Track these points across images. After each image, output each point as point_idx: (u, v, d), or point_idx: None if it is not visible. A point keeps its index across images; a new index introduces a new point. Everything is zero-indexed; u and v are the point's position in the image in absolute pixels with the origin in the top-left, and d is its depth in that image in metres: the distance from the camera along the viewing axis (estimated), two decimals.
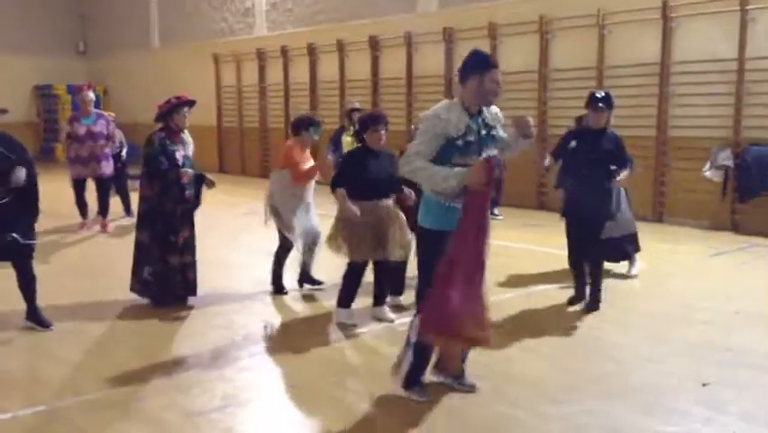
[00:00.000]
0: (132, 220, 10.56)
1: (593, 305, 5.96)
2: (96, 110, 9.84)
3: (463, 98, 4.03)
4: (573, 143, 5.95)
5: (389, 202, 5.56)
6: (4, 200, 4.99)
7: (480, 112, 4.06)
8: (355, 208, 5.37)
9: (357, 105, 10.67)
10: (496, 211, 10.52)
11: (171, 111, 5.97)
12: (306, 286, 6.64)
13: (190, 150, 6.17)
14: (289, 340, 5.40)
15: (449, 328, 3.79)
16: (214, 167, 17.67)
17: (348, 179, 5.47)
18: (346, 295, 5.64)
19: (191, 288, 6.14)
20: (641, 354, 4.99)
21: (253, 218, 9.98)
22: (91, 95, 9.71)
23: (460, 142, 3.93)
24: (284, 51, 15.91)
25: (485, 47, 12.06)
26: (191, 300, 6.14)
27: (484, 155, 3.93)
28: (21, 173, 5.03)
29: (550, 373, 4.64)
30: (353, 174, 5.47)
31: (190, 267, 6.12)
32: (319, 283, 6.63)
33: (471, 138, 3.97)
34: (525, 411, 4.05)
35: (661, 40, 10.09)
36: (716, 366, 4.71)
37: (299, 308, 6.25)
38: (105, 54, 21.88)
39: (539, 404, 4.14)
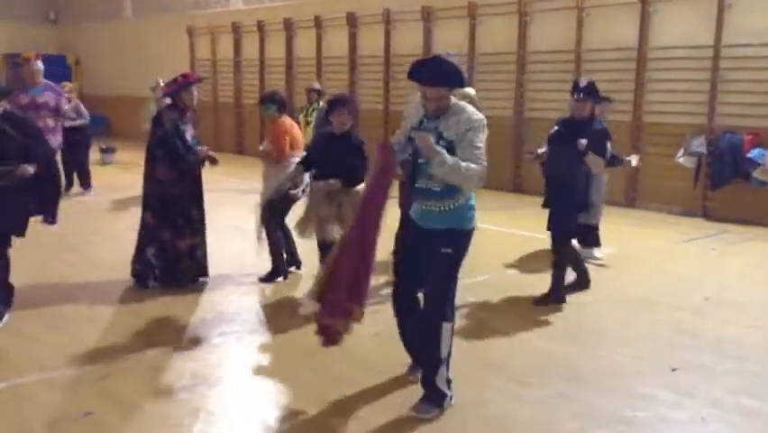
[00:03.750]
0: (90, 195, 10.45)
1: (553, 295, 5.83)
2: (47, 81, 9.45)
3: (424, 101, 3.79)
4: (555, 128, 5.86)
5: (333, 182, 5.40)
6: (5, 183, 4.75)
7: (438, 117, 3.67)
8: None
9: (317, 86, 10.60)
10: None
11: (179, 90, 5.82)
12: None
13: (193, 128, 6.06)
14: (263, 320, 5.36)
15: (335, 311, 3.78)
16: None
17: (313, 161, 5.59)
18: None
19: (202, 268, 6.04)
20: (610, 338, 5.03)
21: (225, 195, 9.90)
22: (40, 64, 9.40)
23: (413, 134, 3.69)
24: (260, 26, 15.66)
25: (463, 27, 12.01)
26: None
27: (420, 161, 3.68)
28: (28, 169, 4.83)
29: (520, 356, 4.65)
30: (318, 156, 5.55)
31: (199, 247, 6.00)
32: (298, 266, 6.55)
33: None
34: (495, 394, 4.06)
35: (639, 25, 10.09)
36: (684, 351, 4.76)
37: (272, 288, 6.19)
38: (77, 23, 21.37)
39: (509, 387, 4.16)
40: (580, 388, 4.16)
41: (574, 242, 6.16)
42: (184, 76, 5.93)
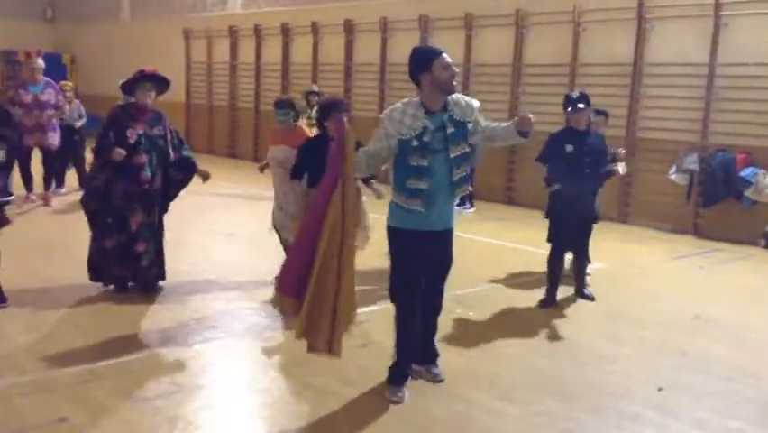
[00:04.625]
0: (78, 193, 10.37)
1: (583, 295, 6.24)
2: (47, 78, 9.43)
3: (422, 99, 3.93)
4: (570, 147, 5.83)
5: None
6: None
7: (445, 108, 3.92)
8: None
9: (315, 89, 10.62)
10: (467, 204, 10.53)
11: (133, 85, 5.60)
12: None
13: (162, 129, 5.76)
14: (247, 326, 5.27)
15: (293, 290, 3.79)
16: None
17: (306, 168, 5.39)
18: None
19: (143, 278, 5.77)
20: (598, 354, 4.97)
21: (217, 199, 9.83)
22: (40, 61, 9.36)
23: (415, 143, 3.85)
24: (257, 30, 15.63)
25: (460, 38, 12.00)
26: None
27: (452, 155, 3.92)
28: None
29: (506, 372, 4.59)
30: (311, 163, 5.35)
31: (144, 255, 5.71)
32: None
33: (427, 138, 3.85)
34: (480, 409, 3.99)
35: (635, 40, 10.10)
36: (672, 370, 4.71)
37: (258, 294, 6.11)
38: (74, 22, 21.30)
39: (495, 402, 4.09)
40: (565, 405, 4.11)
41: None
42: (140, 71, 5.66)
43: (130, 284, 5.81)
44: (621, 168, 6.75)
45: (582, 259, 6.27)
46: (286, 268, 3.90)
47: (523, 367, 4.69)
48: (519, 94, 11.43)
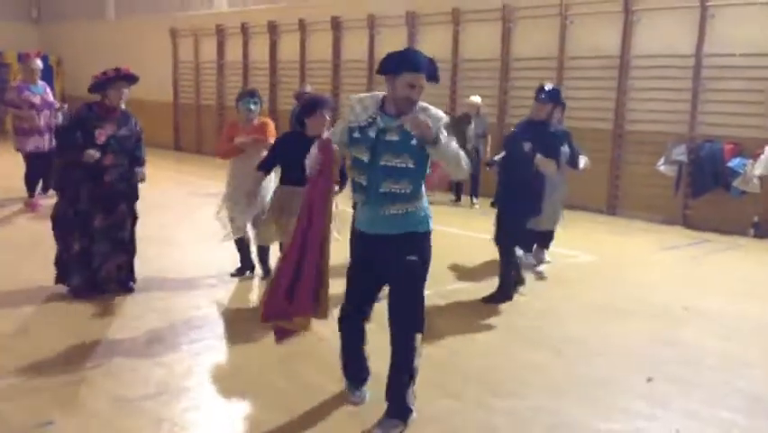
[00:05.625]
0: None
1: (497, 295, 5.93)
2: (41, 81, 9.43)
3: (385, 96, 3.59)
4: (527, 145, 5.78)
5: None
6: None
7: (400, 115, 3.48)
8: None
9: (308, 89, 10.56)
10: (474, 200, 10.55)
11: (106, 84, 5.39)
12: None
13: (129, 129, 5.58)
14: (233, 327, 5.24)
15: (280, 311, 3.72)
16: (169, 144, 17.27)
17: (276, 162, 5.39)
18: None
19: (101, 280, 5.61)
20: (587, 346, 4.96)
21: (204, 198, 9.76)
22: (39, 62, 9.31)
23: (356, 134, 3.54)
24: (244, 28, 15.55)
25: (447, 33, 11.97)
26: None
27: (383, 163, 3.51)
28: None
29: (495, 366, 4.57)
30: (283, 158, 5.35)
31: (108, 258, 5.59)
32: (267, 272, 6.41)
33: (372, 134, 3.51)
34: (470, 405, 3.98)
35: (622, 33, 10.09)
36: (661, 362, 4.70)
37: (245, 294, 6.08)
38: (59, 22, 21.15)
39: (484, 397, 4.07)
40: (555, 398, 4.09)
41: (518, 251, 6.13)
42: (115, 69, 5.42)
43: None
44: (582, 162, 6.81)
45: (502, 255, 6.01)
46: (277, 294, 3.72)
47: (512, 361, 4.67)
48: (507, 88, 11.41)
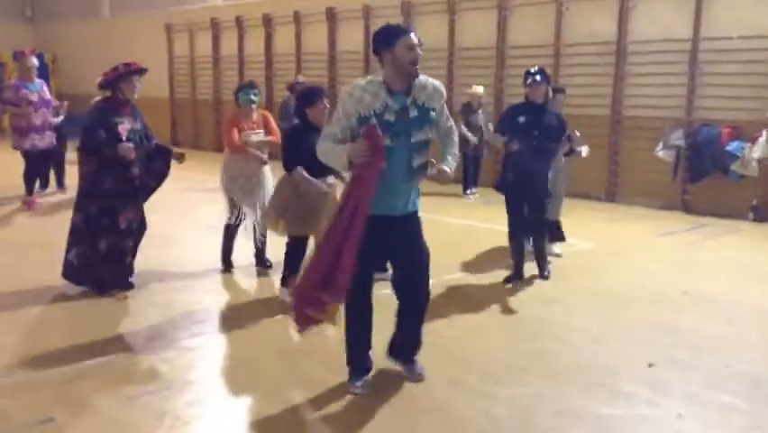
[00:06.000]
0: (65, 194, 10.30)
1: (544, 275, 6.22)
2: (38, 79, 9.39)
3: (385, 77, 3.73)
4: (522, 119, 5.92)
5: (331, 179, 5.38)
6: None
7: (408, 91, 3.71)
8: (318, 182, 5.25)
9: (301, 80, 10.59)
10: (473, 189, 10.50)
11: (118, 80, 5.43)
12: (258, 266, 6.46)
13: (140, 122, 5.63)
14: (234, 321, 5.23)
15: (314, 300, 3.74)
16: (165, 139, 17.21)
17: (300, 156, 5.29)
18: (289, 273, 5.46)
19: (125, 275, 5.68)
20: (587, 333, 4.96)
21: (203, 194, 9.76)
22: (35, 60, 9.27)
23: (374, 121, 3.63)
24: (239, 22, 15.50)
25: (443, 22, 11.93)
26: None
27: (413, 140, 3.73)
28: None
29: (496, 354, 4.57)
30: (301, 150, 5.29)
31: (125, 251, 5.62)
32: (268, 266, 6.43)
33: (390, 118, 3.66)
34: (471, 393, 3.98)
35: (618, 18, 10.06)
36: (662, 347, 4.70)
37: (246, 288, 6.08)
38: (54, 21, 21.08)
39: (485, 385, 4.07)
40: (557, 386, 4.09)
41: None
42: (126, 64, 5.49)
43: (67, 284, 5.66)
44: (584, 150, 6.82)
45: (539, 240, 6.24)
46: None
47: (512, 349, 4.67)
48: (504, 76, 11.38)
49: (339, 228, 3.66)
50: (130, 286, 5.72)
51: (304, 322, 3.89)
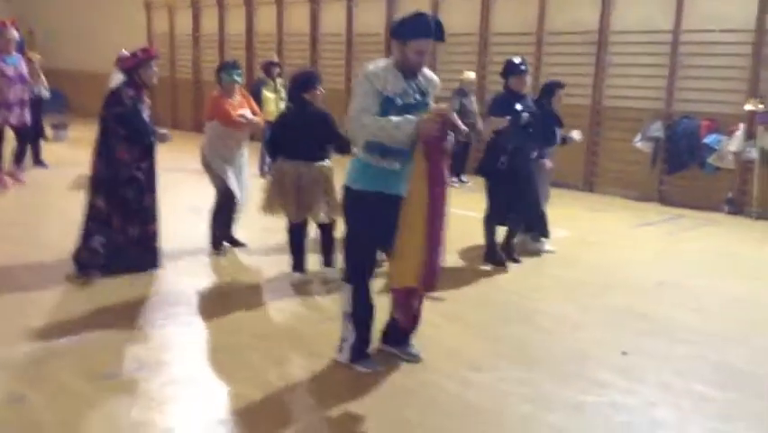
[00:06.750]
0: (41, 169, 10.15)
1: (514, 256, 6.33)
2: (16, 52, 9.16)
3: (395, 62, 3.80)
4: (519, 106, 5.92)
5: (322, 163, 5.41)
6: None
7: (413, 75, 3.85)
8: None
9: (275, 60, 10.53)
10: (464, 178, 10.48)
11: (137, 66, 5.40)
12: (226, 245, 6.42)
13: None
14: (211, 302, 5.20)
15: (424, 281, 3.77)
16: None
17: (282, 144, 5.42)
18: (293, 257, 5.58)
19: (154, 257, 5.70)
20: (563, 321, 5.00)
21: (181, 175, 9.65)
22: (14, 32, 9.00)
23: (399, 102, 3.73)
24: (220, 1, 15.29)
25: (427, 7, 11.83)
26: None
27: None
28: None
29: (473, 340, 4.59)
30: (284, 137, 5.39)
31: (152, 235, 5.65)
32: (242, 245, 6.42)
33: (411, 101, 3.78)
34: (444, 378, 3.98)
35: (600, 8, 10.07)
36: (637, 336, 4.75)
37: (224, 270, 6.03)
38: None
39: (460, 371, 4.09)
40: (531, 372, 4.12)
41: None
42: (144, 50, 5.52)
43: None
44: (576, 134, 6.87)
45: (516, 226, 6.34)
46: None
47: (489, 336, 4.69)
48: (486, 63, 11.36)
49: (434, 209, 3.66)
50: (157, 266, 5.75)
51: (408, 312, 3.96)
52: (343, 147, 5.33)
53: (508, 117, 5.87)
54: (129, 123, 5.37)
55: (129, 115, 5.36)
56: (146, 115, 5.51)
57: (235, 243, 6.44)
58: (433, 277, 3.76)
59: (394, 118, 3.65)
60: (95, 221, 5.47)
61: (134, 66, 5.43)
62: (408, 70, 3.78)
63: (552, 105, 6.55)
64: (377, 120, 3.65)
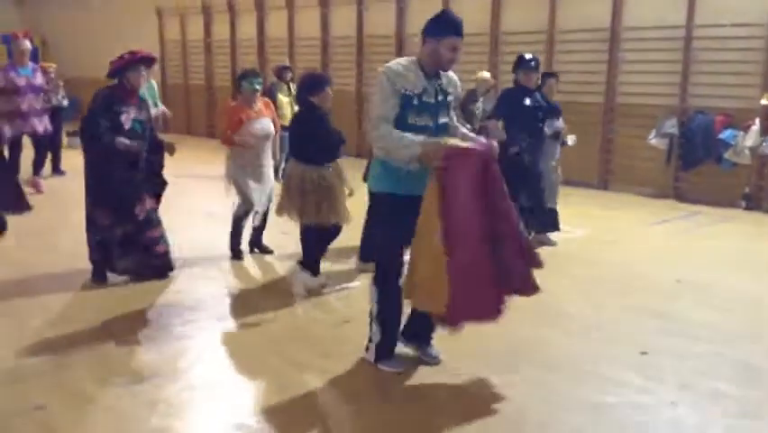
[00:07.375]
0: (59, 177, 10.25)
1: None
2: (31, 62, 9.26)
3: (420, 57, 3.84)
4: (528, 100, 5.98)
5: (329, 167, 5.42)
6: None
7: (436, 75, 3.88)
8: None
9: (288, 64, 10.63)
10: None
11: (125, 68, 5.30)
12: (256, 251, 6.47)
13: (146, 113, 5.54)
14: (228, 308, 5.22)
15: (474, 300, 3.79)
16: (157, 125, 17.09)
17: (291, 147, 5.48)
18: (304, 260, 5.51)
19: (166, 263, 5.68)
20: (580, 321, 4.97)
21: (196, 181, 9.72)
22: (27, 43, 9.09)
23: (416, 102, 3.76)
24: (231, 6, 15.36)
25: (437, 7, 11.74)
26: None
27: (440, 122, 3.87)
28: None
29: (490, 342, 4.56)
30: (291, 141, 5.45)
31: (159, 241, 5.58)
32: (270, 252, 6.44)
33: (430, 100, 3.81)
34: (465, 379, 3.97)
35: (612, 5, 10.01)
36: (655, 335, 4.71)
37: (240, 275, 6.05)
38: (44, 4, 20.82)
39: (478, 372, 4.07)
40: (550, 373, 4.10)
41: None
42: (131, 53, 5.39)
43: (109, 274, 5.63)
44: (570, 140, 6.89)
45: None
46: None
47: (505, 336, 4.65)
48: (498, 63, 11.33)
49: (458, 222, 3.63)
50: (165, 276, 5.69)
51: (461, 321, 3.89)
52: (329, 150, 5.34)
53: (516, 148, 6.09)
54: (86, 121, 5.26)
55: (89, 115, 5.24)
56: (127, 118, 5.28)
57: (264, 249, 6.44)
58: (460, 314, 3.74)
59: (406, 137, 3.65)
60: (87, 220, 5.49)
61: (121, 68, 5.29)
62: (435, 69, 3.82)
63: (544, 95, 6.57)
64: (391, 132, 3.68)
